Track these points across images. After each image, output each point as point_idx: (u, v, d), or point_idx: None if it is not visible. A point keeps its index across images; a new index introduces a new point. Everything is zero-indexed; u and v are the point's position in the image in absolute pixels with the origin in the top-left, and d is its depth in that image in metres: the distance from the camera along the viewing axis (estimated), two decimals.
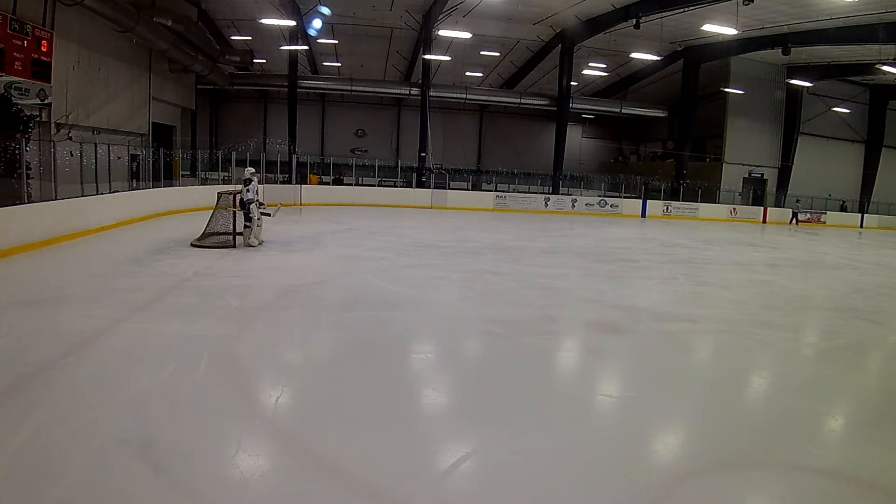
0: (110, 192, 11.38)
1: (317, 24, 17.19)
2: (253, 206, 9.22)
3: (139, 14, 13.94)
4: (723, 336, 5.89)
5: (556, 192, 23.57)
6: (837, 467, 3.16)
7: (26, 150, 9.62)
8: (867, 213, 25.32)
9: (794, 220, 23.40)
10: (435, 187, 21.88)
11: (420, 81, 23.29)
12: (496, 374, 4.39)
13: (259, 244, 9.46)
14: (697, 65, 22.14)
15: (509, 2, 17.73)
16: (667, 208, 22.75)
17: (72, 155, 10.83)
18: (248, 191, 9.19)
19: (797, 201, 24.21)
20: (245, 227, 9.30)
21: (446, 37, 19.94)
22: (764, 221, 23.75)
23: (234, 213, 9.27)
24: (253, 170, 9.59)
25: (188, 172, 18.12)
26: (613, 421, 3.76)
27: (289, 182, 19.73)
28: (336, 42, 22.79)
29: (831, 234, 20.74)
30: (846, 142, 26.45)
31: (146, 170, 14.63)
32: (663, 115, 27.72)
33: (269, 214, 9.85)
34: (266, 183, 17.28)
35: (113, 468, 2.72)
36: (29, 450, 2.83)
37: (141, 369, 3.95)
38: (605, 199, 23.08)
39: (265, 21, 18.17)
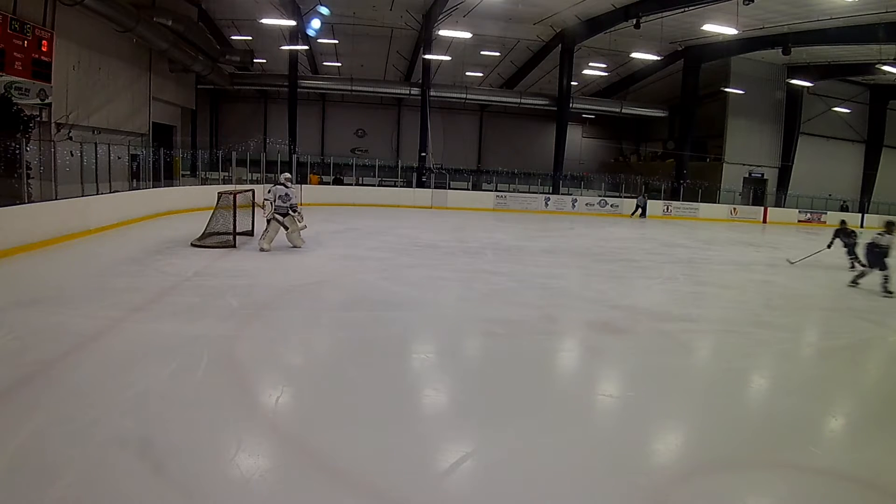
0: (110, 192, 11.38)
1: (315, 24, 17.18)
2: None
3: (139, 14, 13.95)
4: (723, 336, 5.89)
5: (556, 191, 23.56)
6: (837, 467, 3.16)
7: (26, 150, 9.63)
8: (867, 213, 25.29)
9: (638, 212, 21.43)
10: (435, 187, 21.88)
11: (420, 81, 23.29)
12: (496, 374, 4.39)
13: (267, 250, 9.06)
14: (698, 65, 22.15)
15: (509, 2, 17.72)
16: (667, 208, 22.75)
17: (72, 155, 10.84)
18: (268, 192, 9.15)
19: (644, 191, 22.41)
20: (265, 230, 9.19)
21: (446, 37, 19.93)
22: (764, 221, 23.73)
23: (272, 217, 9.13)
24: (287, 175, 9.49)
25: (188, 172, 18.13)
26: (614, 421, 3.76)
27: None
28: (336, 42, 22.78)
29: (831, 234, 20.69)
30: (846, 142, 26.44)
31: (146, 170, 14.63)
32: (663, 115, 27.72)
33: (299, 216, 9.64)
34: (266, 183, 17.27)
35: (113, 468, 2.72)
36: (29, 450, 2.83)
37: (141, 369, 3.95)
38: (606, 198, 23.08)
39: (265, 21, 18.17)
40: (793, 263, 10.80)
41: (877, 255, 8.49)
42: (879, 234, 8.53)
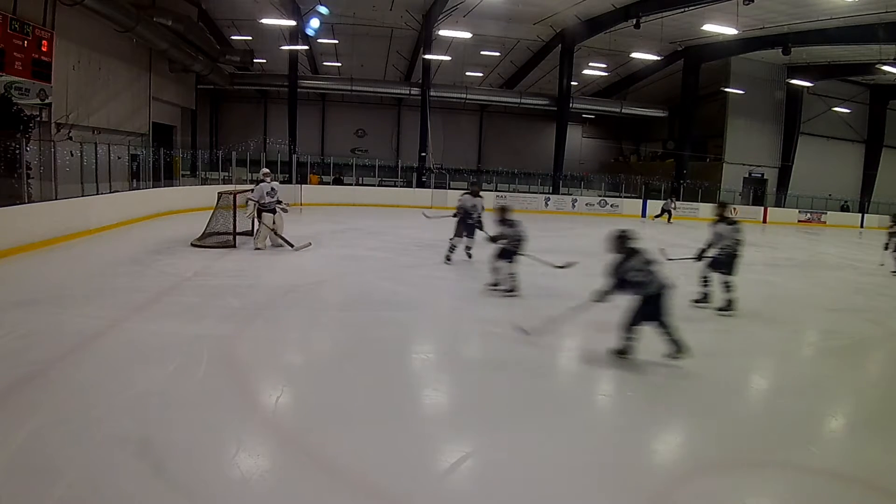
0: (110, 192, 11.38)
1: (314, 24, 17.15)
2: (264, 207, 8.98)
3: (139, 14, 13.93)
4: (723, 336, 5.89)
5: (556, 192, 23.56)
6: (838, 467, 3.16)
7: (26, 150, 9.63)
8: (867, 212, 25.29)
9: (665, 215, 20.35)
10: (435, 187, 21.87)
11: (420, 81, 23.28)
12: (496, 374, 4.38)
13: (262, 248, 9.11)
14: (697, 65, 22.14)
15: (509, 2, 17.72)
16: None
17: (72, 155, 10.84)
18: (251, 192, 9.02)
19: (672, 193, 21.93)
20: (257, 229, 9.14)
21: (446, 37, 19.92)
22: (764, 221, 23.73)
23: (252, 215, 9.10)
24: (266, 170, 9.39)
25: (188, 172, 18.14)
26: (613, 421, 3.76)
27: (289, 182, 19.72)
28: (336, 42, 22.79)
29: (831, 234, 20.73)
30: (846, 142, 26.43)
31: (146, 170, 14.64)
32: (663, 114, 27.71)
33: (285, 210, 9.56)
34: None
35: (113, 468, 2.72)
36: (29, 450, 2.83)
37: (141, 369, 3.95)
38: (606, 198, 23.08)
39: (265, 21, 18.17)
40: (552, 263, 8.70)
41: (468, 227, 8.50)
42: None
